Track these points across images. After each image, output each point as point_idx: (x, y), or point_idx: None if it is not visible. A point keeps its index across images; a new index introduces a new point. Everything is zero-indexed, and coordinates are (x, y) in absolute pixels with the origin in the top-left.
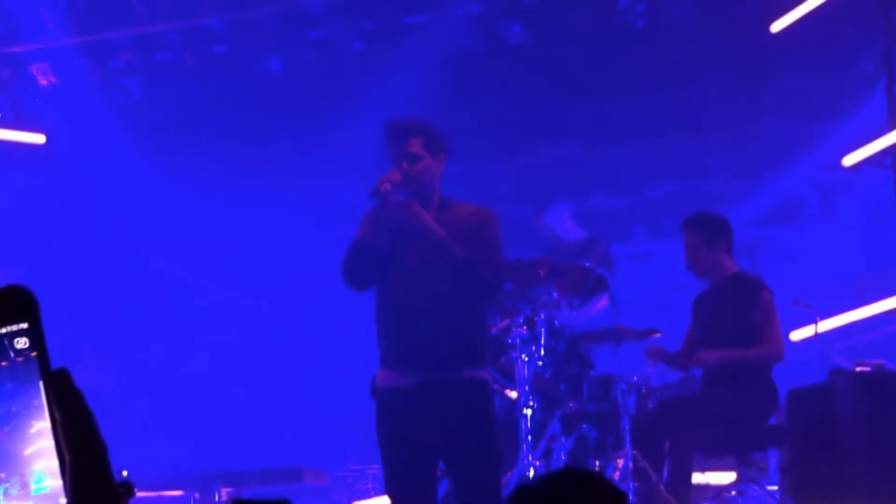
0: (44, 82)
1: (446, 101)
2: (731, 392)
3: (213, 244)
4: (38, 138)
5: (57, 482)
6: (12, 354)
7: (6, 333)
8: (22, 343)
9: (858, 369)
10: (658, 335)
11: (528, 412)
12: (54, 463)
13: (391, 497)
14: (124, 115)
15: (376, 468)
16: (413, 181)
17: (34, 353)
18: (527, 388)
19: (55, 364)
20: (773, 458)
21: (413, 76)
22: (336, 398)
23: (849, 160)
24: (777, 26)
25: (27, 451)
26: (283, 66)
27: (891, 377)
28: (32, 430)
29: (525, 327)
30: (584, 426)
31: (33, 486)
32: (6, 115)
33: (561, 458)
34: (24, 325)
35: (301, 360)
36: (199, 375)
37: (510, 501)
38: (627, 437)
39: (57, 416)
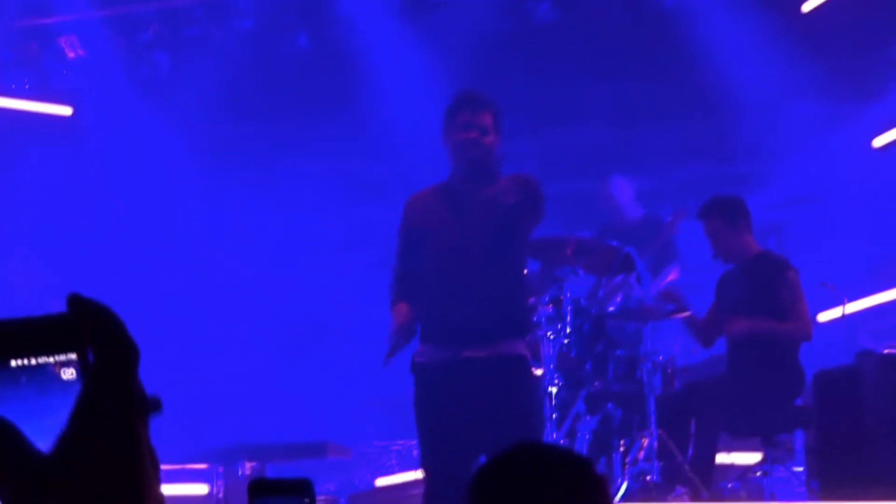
0: (71, 55)
1: (472, 80)
2: (757, 373)
3: (240, 218)
4: (65, 110)
5: None
6: (56, 384)
7: (55, 363)
8: (69, 374)
9: (887, 351)
10: (685, 315)
11: (553, 391)
12: None
13: (427, 473)
14: (151, 88)
15: (400, 444)
16: (484, 152)
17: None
18: (552, 366)
19: None
20: (799, 439)
21: (440, 54)
22: (362, 374)
23: (879, 141)
24: (808, 6)
25: None
26: (310, 41)
27: None
28: None
29: (551, 305)
30: (609, 405)
31: None
32: (33, 87)
33: (585, 438)
34: (73, 356)
35: (328, 335)
36: (226, 349)
37: (479, 482)
38: (652, 417)
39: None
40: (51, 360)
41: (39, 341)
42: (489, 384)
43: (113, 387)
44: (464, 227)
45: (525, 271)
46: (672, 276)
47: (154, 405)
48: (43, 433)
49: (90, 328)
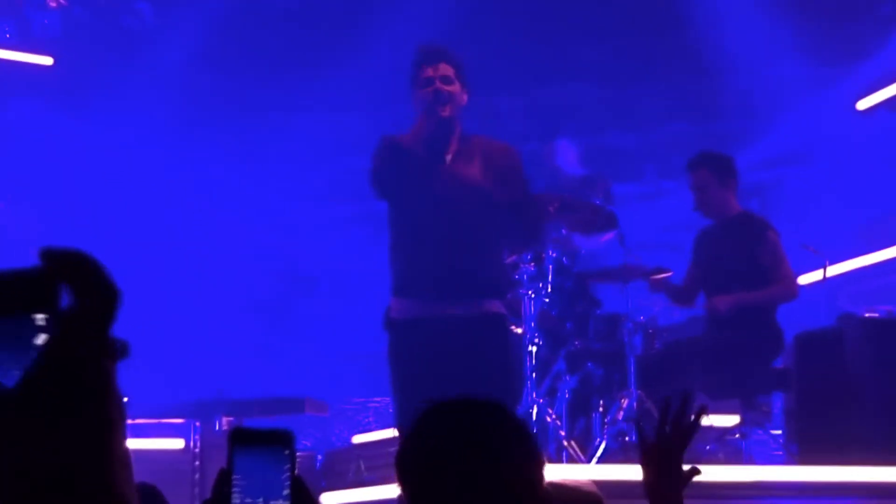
0: (53, 4)
1: (459, 36)
2: (735, 334)
3: (222, 175)
4: (46, 60)
5: None
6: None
7: (29, 319)
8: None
9: (868, 315)
10: (668, 275)
11: (534, 349)
12: None
13: (402, 432)
14: (133, 38)
15: (378, 401)
16: (447, 102)
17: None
18: (533, 324)
19: None
20: (778, 402)
21: (426, 10)
22: (339, 330)
23: (863, 104)
24: None
25: None
26: None
27: None
28: None
29: (532, 264)
30: (590, 365)
31: None
32: (14, 36)
33: (565, 397)
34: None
35: (307, 290)
36: (204, 303)
37: (419, 426)
38: (632, 377)
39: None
40: (26, 317)
41: (12, 297)
42: (471, 342)
43: (89, 330)
44: (445, 183)
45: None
46: (608, 237)
47: (122, 350)
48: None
49: (68, 276)
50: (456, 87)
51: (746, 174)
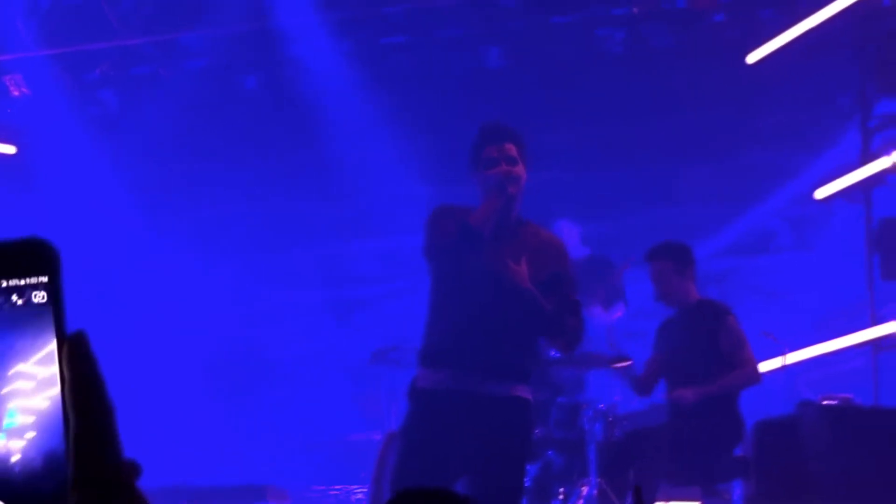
0: (16, 93)
1: (424, 123)
2: (697, 422)
3: (183, 260)
4: (9, 149)
5: (28, 419)
6: (20, 303)
7: (25, 286)
8: (39, 297)
9: (826, 403)
10: (627, 363)
11: None
12: (28, 403)
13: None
14: (99, 127)
15: (338, 489)
16: (516, 182)
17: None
18: None
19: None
20: (738, 489)
21: (391, 97)
22: (300, 417)
23: (821, 193)
24: (753, 57)
25: (3, 391)
26: (260, 82)
27: (858, 412)
28: (10, 372)
29: None
30: (550, 452)
31: (4, 422)
32: None
33: (526, 485)
34: (44, 280)
35: (267, 377)
36: (164, 390)
37: None
38: (593, 465)
39: (66, 376)
40: (21, 282)
41: (9, 264)
42: (496, 422)
43: (95, 458)
44: (497, 265)
45: None
46: (618, 314)
47: (134, 469)
48: (9, 356)
49: (77, 390)
50: (521, 168)
51: (706, 262)
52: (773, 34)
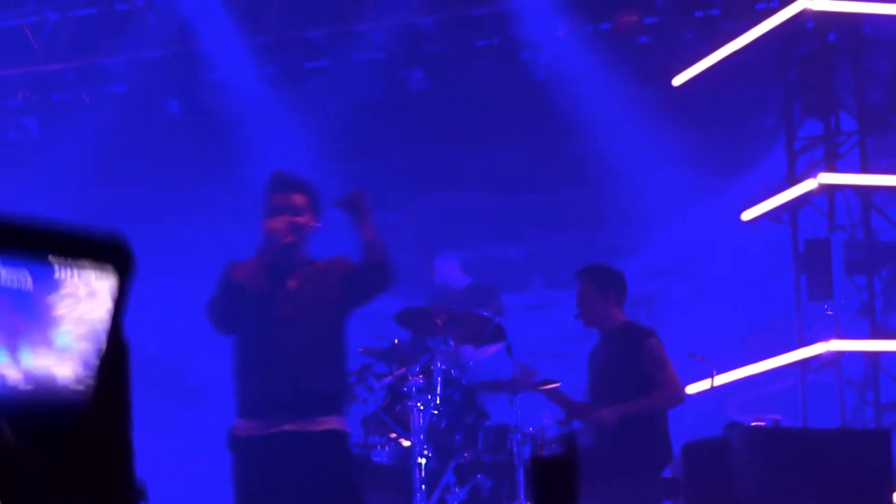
0: None
1: (346, 147)
2: (624, 445)
3: None
4: None
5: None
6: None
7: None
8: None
9: (755, 423)
10: (555, 385)
11: (423, 461)
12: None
13: None
14: (21, 152)
15: None
16: (297, 232)
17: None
18: (422, 437)
19: None
20: None
21: (313, 121)
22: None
23: (747, 215)
24: (679, 80)
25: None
26: (182, 107)
27: (786, 433)
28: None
29: (421, 376)
30: (479, 476)
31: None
32: None
33: None
34: (109, 266)
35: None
36: None
37: None
38: (521, 488)
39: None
40: (87, 265)
41: (81, 246)
42: (303, 459)
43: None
44: (284, 309)
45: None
46: (497, 347)
47: (141, 494)
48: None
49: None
50: (305, 217)
51: (633, 283)
52: (697, 57)
